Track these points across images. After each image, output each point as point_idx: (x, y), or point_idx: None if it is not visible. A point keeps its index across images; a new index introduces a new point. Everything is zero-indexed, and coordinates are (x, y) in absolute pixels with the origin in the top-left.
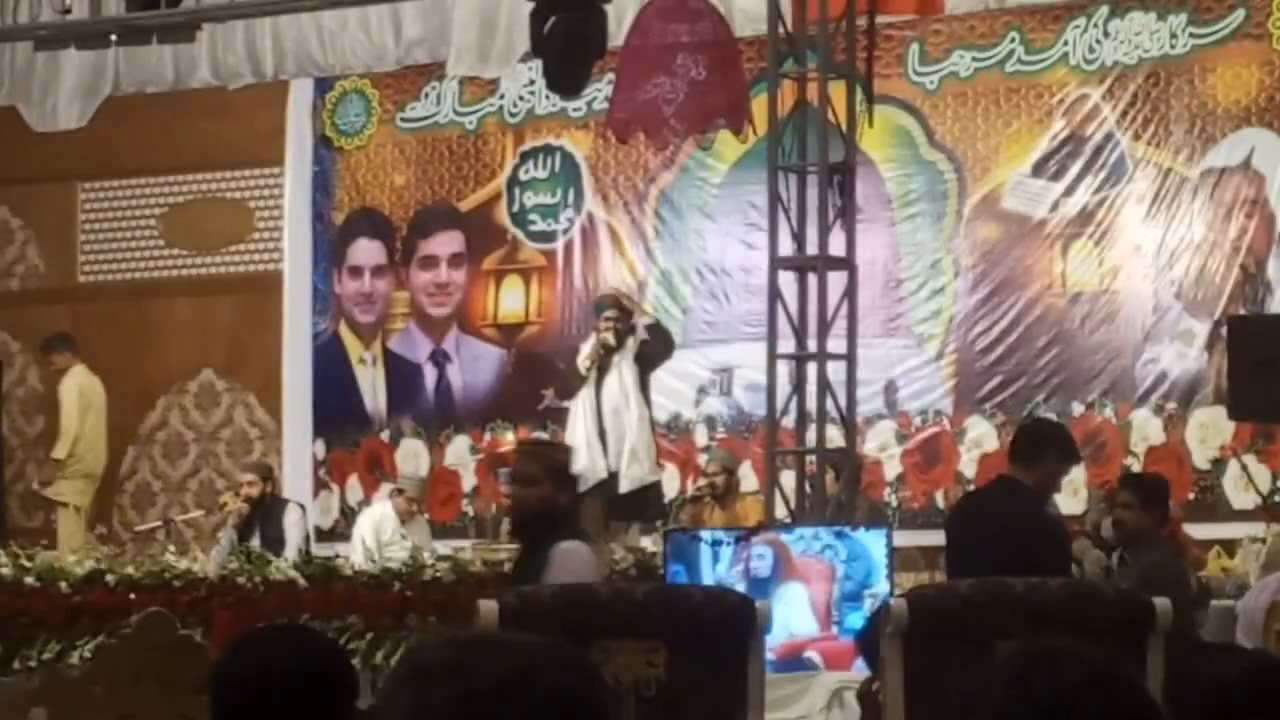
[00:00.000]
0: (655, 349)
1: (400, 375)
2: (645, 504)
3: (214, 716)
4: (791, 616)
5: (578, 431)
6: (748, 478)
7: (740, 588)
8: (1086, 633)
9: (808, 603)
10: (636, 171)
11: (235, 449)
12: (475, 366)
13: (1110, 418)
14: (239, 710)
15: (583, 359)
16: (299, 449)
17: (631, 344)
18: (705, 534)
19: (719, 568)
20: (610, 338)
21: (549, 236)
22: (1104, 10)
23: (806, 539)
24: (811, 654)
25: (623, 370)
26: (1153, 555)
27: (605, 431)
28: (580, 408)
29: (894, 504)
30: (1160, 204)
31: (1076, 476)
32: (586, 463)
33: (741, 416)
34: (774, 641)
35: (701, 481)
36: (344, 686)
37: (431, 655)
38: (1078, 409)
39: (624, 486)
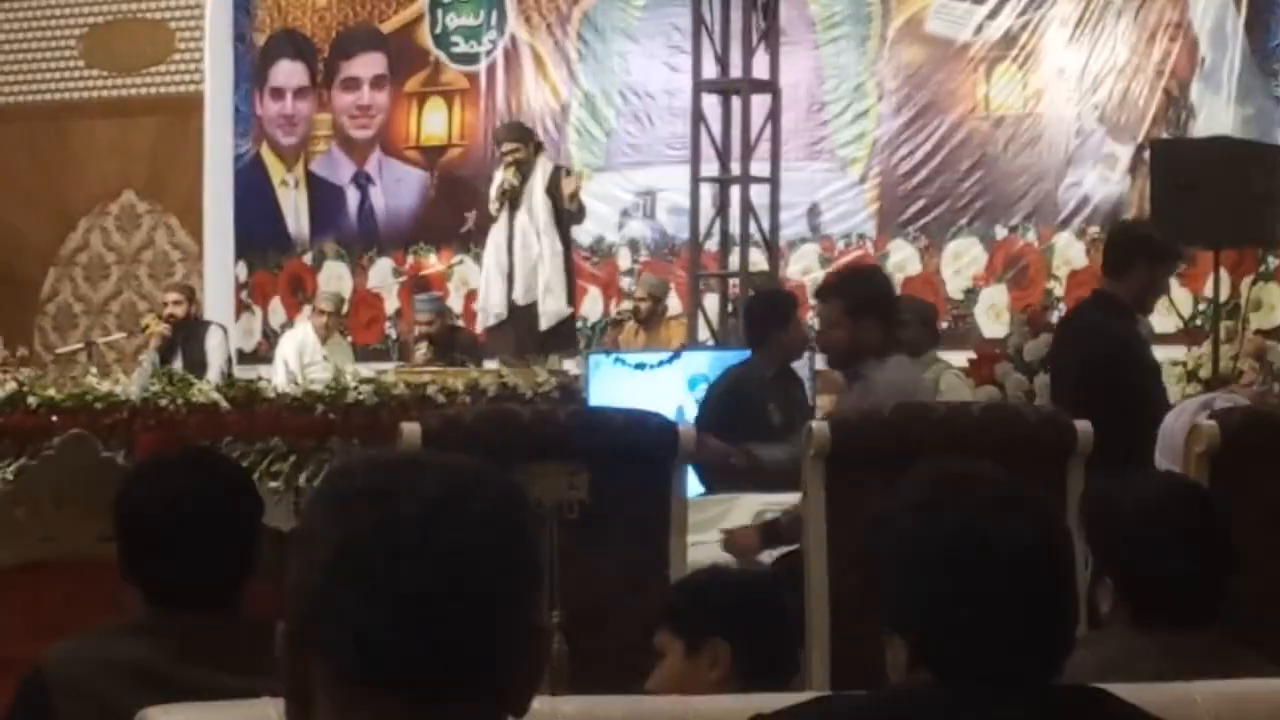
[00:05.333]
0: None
1: (323, 197)
2: (561, 336)
3: (120, 543)
4: None
5: (490, 267)
6: (672, 301)
7: None
8: (1007, 456)
9: None
10: None
11: (157, 271)
12: (398, 189)
13: (1033, 241)
14: (144, 536)
15: (492, 201)
16: (221, 271)
17: (540, 175)
18: (628, 357)
19: None
20: (511, 175)
21: (472, 59)
22: None
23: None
24: None
25: (533, 202)
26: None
27: (514, 266)
28: (491, 244)
29: (816, 327)
30: (1084, 27)
31: (999, 300)
32: (495, 298)
33: (665, 239)
34: None
35: (624, 305)
36: (249, 506)
37: (356, 480)
38: (1001, 232)
39: (544, 323)
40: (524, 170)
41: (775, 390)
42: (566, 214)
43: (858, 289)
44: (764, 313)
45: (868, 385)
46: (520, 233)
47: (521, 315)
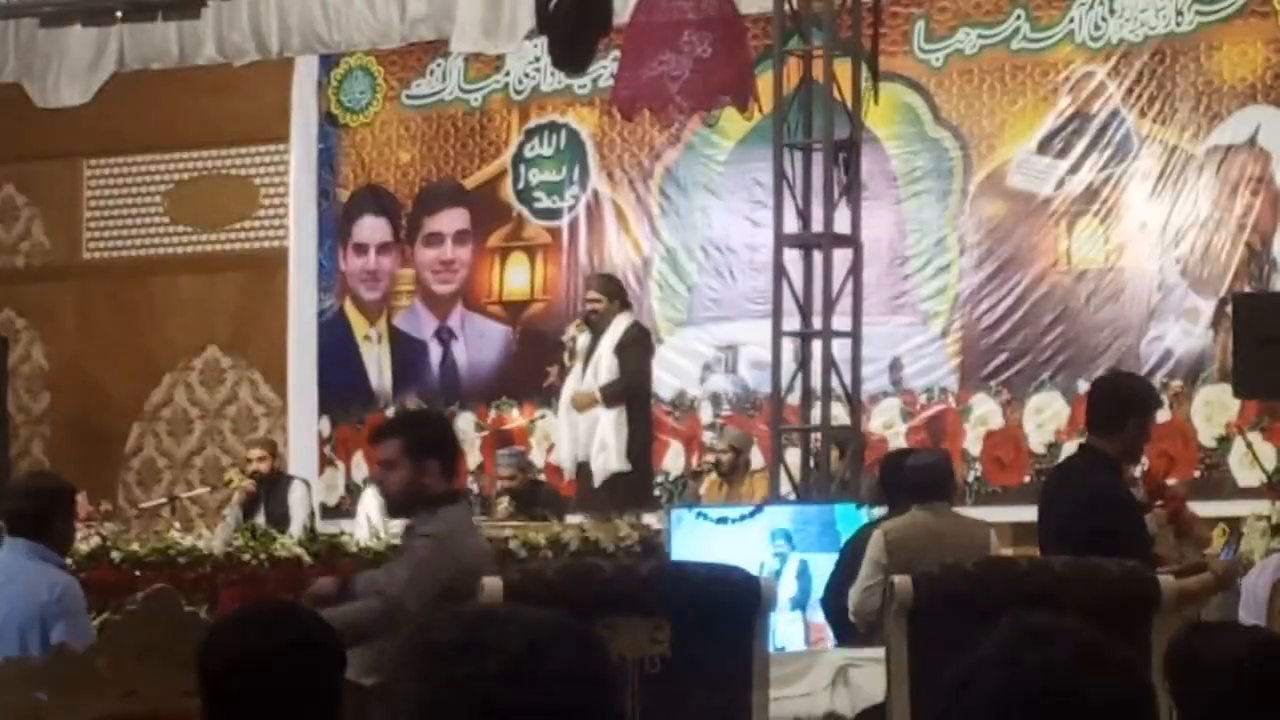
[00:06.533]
0: (633, 347)
1: (405, 352)
2: (620, 493)
3: (203, 698)
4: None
5: (562, 421)
6: (754, 455)
7: None
8: (1090, 611)
9: None
10: (642, 149)
11: (240, 426)
12: (480, 344)
13: None
14: (228, 689)
15: (566, 354)
16: (304, 426)
17: (613, 333)
18: (710, 511)
19: None
20: (575, 329)
21: (554, 214)
22: None
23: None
24: None
25: (600, 359)
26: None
27: (576, 423)
28: (563, 398)
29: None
30: (1166, 181)
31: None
32: (565, 452)
33: (747, 394)
34: None
35: (707, 457)
36: (331, 660)
37: (439, 635)
38: (1083, 386)
39: (596, 480)
40: (596, 325)
41: None
42: (613, 394)
43: (419, 429)
44: (896, 474)
45: (424, 542)
46: (586, 389)
47: (584, 471)
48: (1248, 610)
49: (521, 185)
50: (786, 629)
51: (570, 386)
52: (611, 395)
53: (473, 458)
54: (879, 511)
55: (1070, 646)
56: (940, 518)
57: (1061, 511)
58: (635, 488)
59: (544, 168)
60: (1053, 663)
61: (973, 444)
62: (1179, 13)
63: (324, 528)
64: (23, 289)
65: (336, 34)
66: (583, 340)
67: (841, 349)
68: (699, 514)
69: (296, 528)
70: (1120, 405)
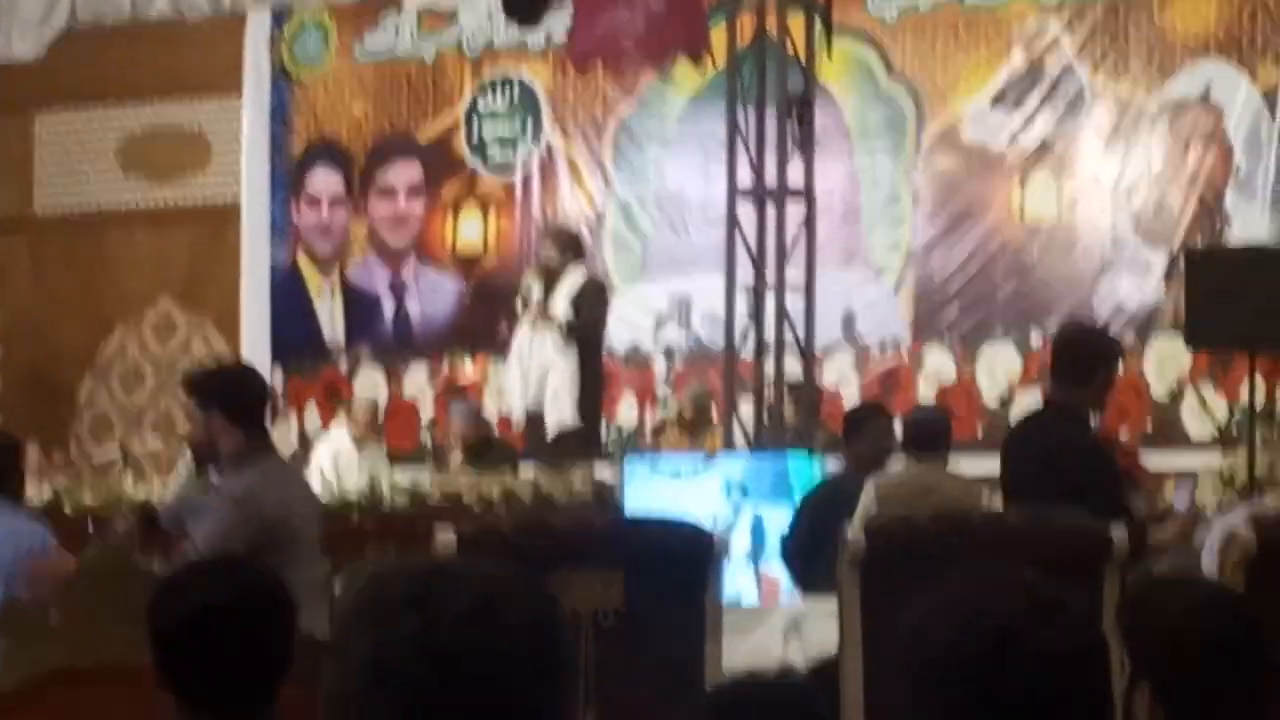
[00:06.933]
0: (589, 299)
1: (358, 305)
2: (571, 446)
3: (154, 653)
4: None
5: (513, 371)
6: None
7: None
8: (1043, 563)
9: None
10: (595, 103)
11: None
12: (433, 297)
13: None
14: (178, 645)
15: (520, 302)
16: None
17: (569, 285)
18: (664, 463)
19: None
20: (530, 279)
21: (507, 168)
22: None
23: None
24: None
25: (554, 311)
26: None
27: (528, 372)
28: (514, 348)
29: None
30: (1119, 136)
31: (1034, 407)
32: (516, 402)
33: (700, 347)
34: None
35: (667, 411)
36: (281, 612)
37: (390, 588)
38: (1035, 340)
39: (550, 431)
40: (550, 277)
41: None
42: (576, 327)
43: (209, 383)
44: (857, 429)
45: (222, 502)
46: (537, 339)
47: (534, 422)
48: (1210, 559)
49: (475, 139)
50: (740, 581)
51: (522, 337)
52: (570, 331)
53: (426, 411)
54: (832, 461)
55: (1023, 598)
56: (933, 472)
57: (1033, 470)
58: (585, 440)
59: (497, 121)
60: (1005, 614)
61: (925, 396)
62: None
63: None
64: None
65: None
66: (537, 291)
67: (795, 302)
68: (652, 467)
69: None
70: (1090, 357)
